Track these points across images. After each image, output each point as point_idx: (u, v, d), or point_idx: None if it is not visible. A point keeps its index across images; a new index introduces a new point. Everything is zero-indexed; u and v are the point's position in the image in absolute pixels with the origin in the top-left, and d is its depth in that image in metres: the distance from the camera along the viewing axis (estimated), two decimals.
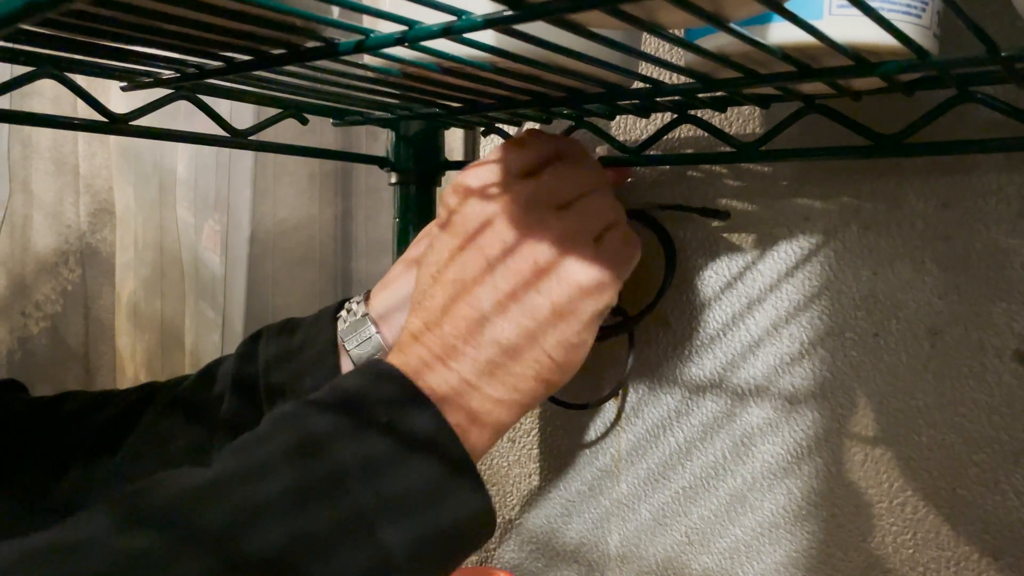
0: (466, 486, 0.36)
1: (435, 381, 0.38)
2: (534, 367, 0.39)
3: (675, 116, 0.48)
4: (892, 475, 0.47)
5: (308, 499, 0.33)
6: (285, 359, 0.49)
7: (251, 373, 0.49)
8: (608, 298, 0.41)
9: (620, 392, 0.58)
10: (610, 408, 0.58)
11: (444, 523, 0.35)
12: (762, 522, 0.51)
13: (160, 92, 0.47)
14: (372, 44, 0.33)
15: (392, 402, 0.37)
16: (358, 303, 0.50)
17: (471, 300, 0.39)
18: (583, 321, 0.40)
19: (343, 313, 0.50)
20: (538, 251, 0.40)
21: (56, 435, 0.51)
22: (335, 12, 0.34)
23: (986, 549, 0.44)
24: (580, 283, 0.40)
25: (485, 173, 0.43)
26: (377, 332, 0.48)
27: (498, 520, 0.38)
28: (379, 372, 0.38)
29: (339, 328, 0.49)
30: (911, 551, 0.46)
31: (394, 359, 0.40)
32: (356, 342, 0.48)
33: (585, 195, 0.42)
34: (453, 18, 0.30)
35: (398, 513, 0.34)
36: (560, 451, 0.61)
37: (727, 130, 0.51)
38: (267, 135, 0.53)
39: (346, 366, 0.47)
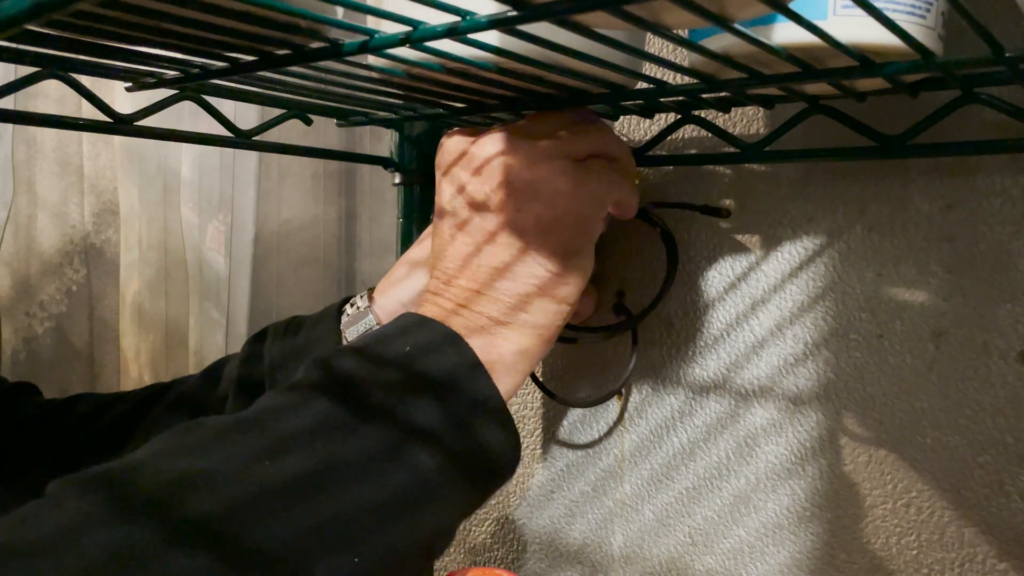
0: (495, 420, 0.37)
1: (456, 321, 0.39)
2: (532, 281, 0.40)
3: (679, 117, 0.48)
4: (896, 477, 0.47)
5: (337, 427, 0.34)
6: (290, 358, 0.49)
7: (256, 372, 0.50)
8: (594, 204, 0.42)
9: (623, 392, 0.58)
10: (613, 408, 0.58)
11: (474, 452, 0.36)
12: (766, 523, 0.51)
13: (164, 93, 0.47)
14: (376, 44, 0.33)
15: (415, 342, 0.38)
16: (362, 298, 0.50)
17: (464, 239, 0.41)
18: (570, 226, 0.41)
19: (347, 308, 0.50)
20: (512, 171, 0.40)
21: (68, 436, 0.51)
22: (339, 13, 0.34)
23: (991, 551, 0.44)
24: (557, 188, 0.40)
25: (468, 133, 0.45)
26: (378, 325, 0.48)
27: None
28: (405, 319, 0.40)
29: (343, 323, 0.49)
30: (915, 552, 0.46)
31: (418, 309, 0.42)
32: (357, 334, 0.48)
33: (569, 127, 0.43)
34: (457, 19, 0.30)
35: (427, 441, 0.35)
36: (563, 452, 0.61)
37: (731, 131, 0.51)
38: (271, 136, 0.53)
39: None
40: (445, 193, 0.43)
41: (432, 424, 0.35)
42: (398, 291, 0.49)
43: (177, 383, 0.54)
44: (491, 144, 0.41)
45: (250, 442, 0.33)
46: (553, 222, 0.40)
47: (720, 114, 0.51)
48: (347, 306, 0.50)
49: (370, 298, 0.50)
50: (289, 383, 0.37)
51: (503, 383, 0.38)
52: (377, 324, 0.48)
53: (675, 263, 0.52)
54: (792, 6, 0.28)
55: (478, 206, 0.41)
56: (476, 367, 0.37)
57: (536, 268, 0.40)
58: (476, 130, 0.44)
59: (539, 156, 0.41)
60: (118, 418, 0.52)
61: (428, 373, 0.36)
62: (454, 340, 0.38)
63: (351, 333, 0.48)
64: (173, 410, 0.51)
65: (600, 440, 0.59)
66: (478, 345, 0.38)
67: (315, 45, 0.36)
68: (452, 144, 0.44)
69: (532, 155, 0.41)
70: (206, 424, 0.34)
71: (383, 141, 0.79)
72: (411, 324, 0.39)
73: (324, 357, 0.37)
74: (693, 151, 0.53)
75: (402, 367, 0.36)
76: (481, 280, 0.40)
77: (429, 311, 0.40)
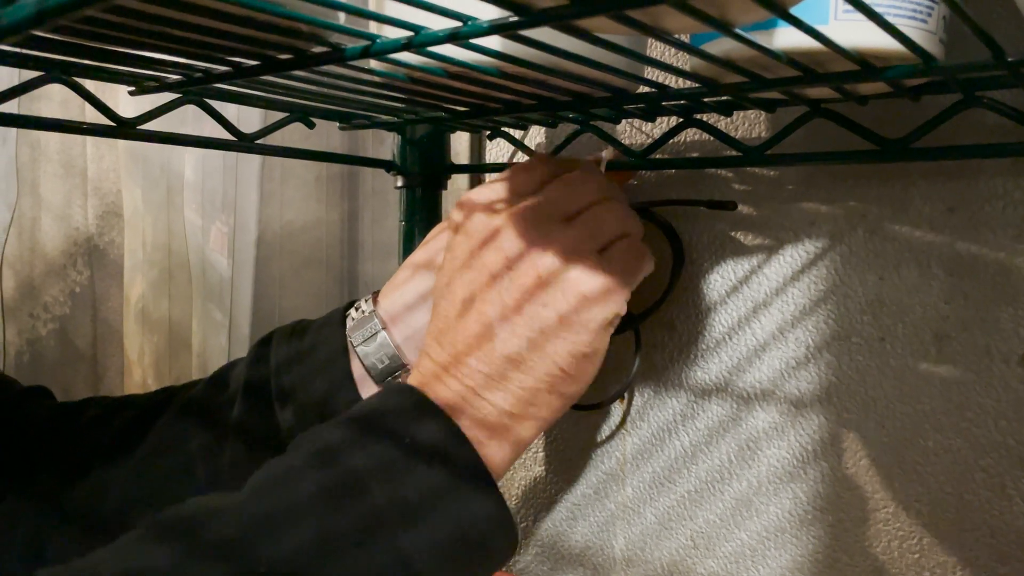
0: (479, 489, 0.36)
1: (443, 391, 0.38)
2: (545, 379, 0.39)
3: (681, 120, 0.48)
4: (898, 480, 0.47)
5: (328, 502, 0.34)
6: (296, 361, 0.49)
7: (263, 376, 0.50)
8: (615, 306, 0.41)
9: (626, 395, 0.58)
10: (616, 411, 0.58)
11: (461, 527, 0.35)
12: (768, 526, 0.51)
13: (167, 96, 0.47)
14: (378, 49, 0.33)
15: (402, 412, 0.37)
16: (366, 302, 0.50)
17: (478, 315, 0.40)
18: (591, 330, 0.40)
19: (352, 312, 0.50)
20: (540, 262, 0.40)
21: (78, 440, 0.52)
22: (341, 18, 0.34)
23: (992, 555, 0.44)
24: (583, 292, 0.40)
25: (490, 191, 0.44)
26: (383, 330, 0.48)
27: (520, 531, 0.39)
28: (391, 387, 0.40)
29: (347, 327, 0.49)
30: (917, 556, 0.46)
31: (409, 377, 0.41)
32: (362, 338, 0.48)
33: (592, 206, 0.42)
34: (459, 24, 0.31)
35: (414, 517, 0.34)
36: (566, 455, 0.61)
37: (733, 134, 0.51)
38: (274, 139, 0.54)
39: (356, 367, 0.48)
40: (461, 259, 0.42)
41: (416, 498, 0.35)
42: (402, 294, 0.49)
43: (186, 388, 0.54)
44: (522, 225, 0.41)
45: (233, 526, 0.33)
46: (576, 322, 0.40)
47: (722, 117, 0.51)
48: (352, 310, 0.50)
49: (374, 301, 0.50)
50: (279, 458, 0.37)
51: (497, 470, 0.38)
52: (382, 327, 0.48)
53: (681, 263, 0.52)
54: (793, 11, 0.28)
55: (499, 287, 0.40)
56: (458, 436, 0.37)
57: (552, 367, 0.39)
58: (496, 187, 0.44)
59: (570, 249, 0.40)
60: (128, 423, 0.52)
61: (412, 444, 0.36)
62: (433, 410, 0.37)
63: (356, 337, 0.48)
64: (183, 415, 0.51)
65: (602, 443, 0.59)
66: (482, 437, 0.38)
67: (317, 49, 0.36)
68: (477, 212, 0.43)
69: (563, 247, 0.40)
70: (192, 508, 0.34)
71: (385, 144, 0.79)
72: (409, 408, 0.38)
73: (311, 431, 0.38)
74: (695, 154, 0.53)
75: (386, 438, 0.36)
76: (494, 367, 0.39)
77: (436, 391, 0.39)
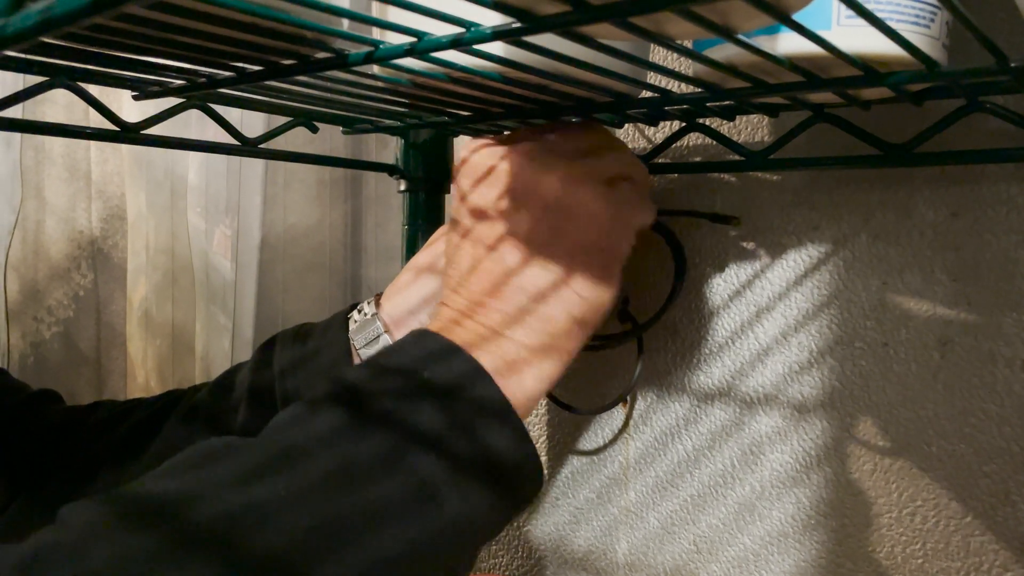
0: (503, 423, 0.36)
1: (463, 334, 0.38)
2: (563, 306, 0.39)
3: (683, 124, 0.48)
4: (901, 485, 0.46)
5: (348, 433, 0.34)
6: (299, 365, 0.49)
7: (266, 380, 0.50)
8: (625, 233, 0.41)
9: (629, 399, 0.58)
10: (618, 416, 0.58)
11: (483, 456, 0.35)
12: (771, 531, 0.51)
13: (171, 100, 0.47)
14: (381, 55, 0.33)
15: (422, 355, 0.37)
16: (369, 304, 0.50)
17: (494, 256, 0.40)
18: (604, 251, 0.40)
19: (354, 314, 0.50)
20: (548, 194, 0.40)
21: (86, 444, 0.52)
22: (345, 24, 0.34)
23: (996, 560, 0.44)
24: (595, 214, 0.40)
25: (493, 143, 0.44)
26: (386, 332, 0.48)
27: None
28: (411, 334, 0.39)
29: (350, 329, 0.49)
30: (920, 561, 0.46)
31: (429, 325, 0.41)
32: (364, 341, 0.48)
33: (595, 148, 0.43)
34: (462, 30, 0.31)
35: (434, 446, 0.34)
36: (569, 458, 0.61)
37: (735, 138, 0.51)
38: (277, 143, 0.54)
39: None
40: (467, 206, 0.42)
41: (435, 429, 0.35)
42: (405, 297, 0.49)
43: (191, 391, 0.54)
44: (524, 160, 0.41)
45: (254, 456, 0.33)
46: (589, 247, 0.40)
47: (724, 122, 0.51)
48: (354, 312, 0.51)
49: (377, 304, 0.50)
50: (302, 399, 0.37)
51: (521, 406, 0.38)
52: (384, 330, 0.48)
53: (683, 270, 0.52)
54: (796, 16, 0.28)
55: (508, 225, 0.40)
56: (479, 371, 0.37)
57: (569, 294, 0.40)
58: (499, 138, 0.44)
59: (575, 179, 0.40)
60: (135, 426, 0.52)
61: (432, 382, 0.36)
62: (454, 349, 0.37)
63: (359, 340, 0.48)
64: (188, 419, 0.51)
65: (605, 447, 0.59)
66: (503, 371, 0.38)
67: (321, 55, 0.36)
68: (478, 159, 0.43)
69: (568, 177, 0.40)
70: (214, 443, 0.34)
71: (389, 147, 0.79)
72: (432, 348, 0.38)
73: (335, 373, 0.38)
74: (698, 159, 0.53)
75: (407, 377, 0.36)
76: (513, 303, 0.39)
77: (455, 334, 0.39)
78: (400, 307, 0.49)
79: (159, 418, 0.52)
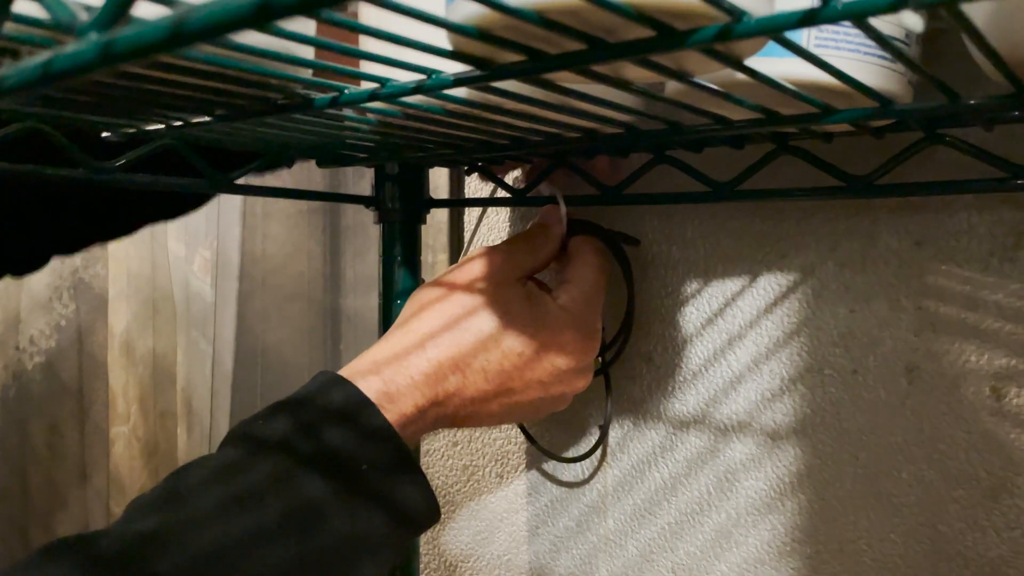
0: (382, 444, 0.40)
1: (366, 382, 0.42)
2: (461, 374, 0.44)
3: (652, 157, 0.49)
4: (873, 511, 0.47)
5: (237, 465, 0.37)
6: None
7: None
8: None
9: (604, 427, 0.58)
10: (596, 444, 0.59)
11: (364, 475, 0.39)
12: (747, 558, 0.52)
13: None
14: (346, 100, 0.34)
15: (314, 388, 0.41)
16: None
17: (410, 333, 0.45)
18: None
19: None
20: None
21: None
22: (309, 72, 0.35)
23: None
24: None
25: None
26: None
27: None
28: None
29: None
30: None
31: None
32: None
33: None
34: (424, 77, 0.31)
35: (317, 466, 0.38)
36: (547, 487, 0.62)
37: (703, 169, 0.51)
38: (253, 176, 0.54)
39: None
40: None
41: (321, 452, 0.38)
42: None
43: None
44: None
45: (151, 496, 0.36)
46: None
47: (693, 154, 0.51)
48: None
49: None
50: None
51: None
52: None
53: (632, 283, 0.53)
54: (761, 52, 0.28)
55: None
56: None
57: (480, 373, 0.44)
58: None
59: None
60: None
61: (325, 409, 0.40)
62: (365, 401, 0.41)
63: None
64: None
65: (584, 477, 0.59)
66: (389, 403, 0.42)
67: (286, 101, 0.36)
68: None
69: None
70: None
71: (366, 177, 0.79)
72: (323, 382, 0.42)
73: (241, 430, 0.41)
74: (668, 191, 0.54)
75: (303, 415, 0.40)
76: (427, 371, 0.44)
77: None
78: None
79: None
